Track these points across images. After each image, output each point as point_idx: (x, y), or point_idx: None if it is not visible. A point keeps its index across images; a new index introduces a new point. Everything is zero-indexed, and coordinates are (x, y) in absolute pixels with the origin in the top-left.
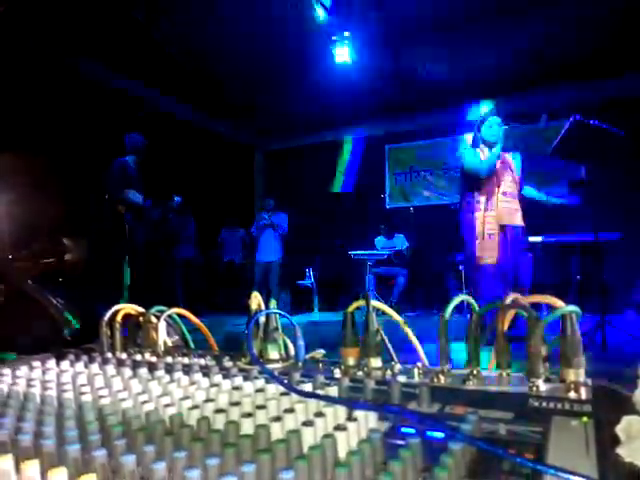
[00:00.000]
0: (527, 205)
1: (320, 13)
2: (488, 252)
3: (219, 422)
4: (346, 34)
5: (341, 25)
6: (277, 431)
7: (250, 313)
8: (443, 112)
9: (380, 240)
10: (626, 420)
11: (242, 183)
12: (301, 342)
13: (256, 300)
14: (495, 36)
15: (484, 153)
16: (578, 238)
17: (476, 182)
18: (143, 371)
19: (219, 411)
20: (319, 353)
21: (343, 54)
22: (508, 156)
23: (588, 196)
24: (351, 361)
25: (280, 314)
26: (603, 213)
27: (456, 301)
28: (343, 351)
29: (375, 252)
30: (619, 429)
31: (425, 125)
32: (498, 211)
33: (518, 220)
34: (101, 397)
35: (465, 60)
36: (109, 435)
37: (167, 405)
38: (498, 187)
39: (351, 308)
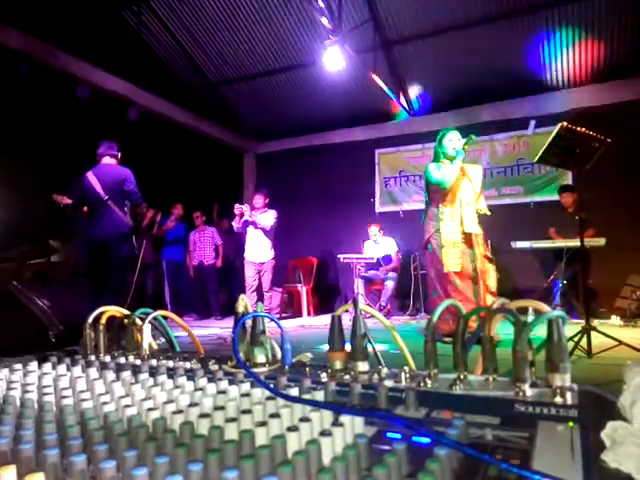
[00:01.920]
0: (513, 212)
1: (323, 20)
2: (454, 259)
3: (203, 427)
4: (338, 39)
5: (333, 30)
6: (261, 436)
7: (237, 316)
8: (434, 118)
9: (369, 244)
10: (611, 426)
11: (232, 186)
12: (288, 346)
13: (243, 303)
14: (484, 43)
15: (446, 166)
16: (564, 244)
17: (440, 193)
18: (126, 374)
19: (203, 416)
20: (306, 356)
21: (334, 59)
22: (469, 168)
23: (574, 202)
24: (338, 365)
25: (267, 317)
26: (589, 219)
27: (443, 306)
28: (330, 355)
29: (364, 256)
30: (604, 435)
31: (416, 130)
32: (461, 220)
33: (479, 228)
34: (82, 401)
35: (457, 66)
36: (90, 440)
37: (150, 409)
38: (460, 197)
39: (339, 311)
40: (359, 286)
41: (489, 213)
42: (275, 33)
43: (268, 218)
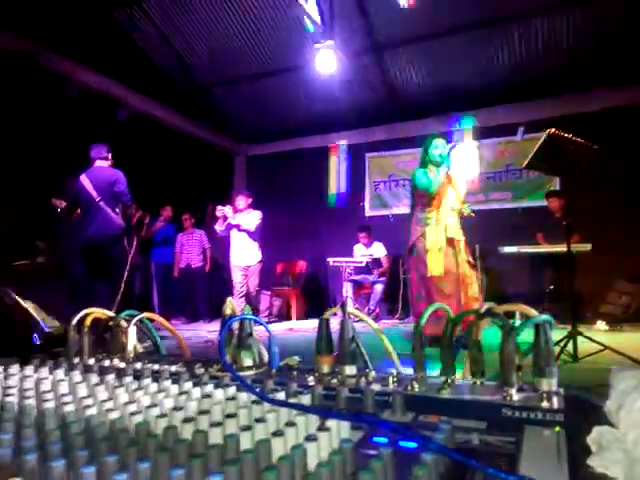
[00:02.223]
0: (501, 217)
1: (310, 25)
2: (438, 264)
3: (187, 431)
4: (329, 42)
5: (324, 34)
6: (246, 441)
7: (224, 319)
8: (424, 122)
9: (359, 248)
10: (597, 431)
11: (222, 188)
12: (275, 349)
13: (230, 306)
14: (476, 49)
15: (432, 172)
16: (551, 250)
17: (426, 198)
18: (110, 377)
19: (187, 420)
20: (294, 360)
21: (326, 62)
22: (452, 175)
23: (561, 208)
24: (325, 368)
25: (255, 320)
26: (576, 225)
27: (431, 310)
28: (317, 358)
29: (353, 259)
30: (590, 440)
31: (406, 135)
32: (446, 225)
33: (461, 234)
34: (64, 404)
35: (447, 71)
36: (70, 445)
37: (133, 413)
38: (445, 203)
39: (327, 315)
40: (348, 290)
41: (473, 214)
42: (266, 36)
43: (252, 219)
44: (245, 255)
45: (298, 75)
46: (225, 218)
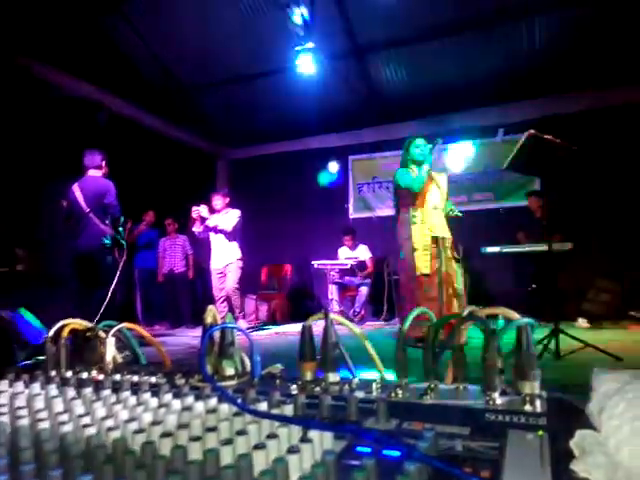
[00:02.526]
0: (483, 218)
1: (298, 20)
2: (424, 262)
3: (165, 447)
4: (310, 45)
5: (306, 36)
6: (227, 455)
7: (205, 327)
8: (407, 124)
9: (344, 250)
10: (580, 434)
11: (204, 192)
12: (257, 357)
13: (211, 314)
14: (458, 51)
15: (414, 171)
16: (532, 248)
17: (409, 198)
18: (88, 391)
19: (166, 435)
20: (276, 368)
21: (307, 65)
22: (435, 174)
23: (542, 208)
24: (309, 376)
25: (236, 329)
26: (556, 224)
27: (414, 314)
28: (300, 366)
29: (338, 262)
30: (573, 444)
31: (389, 137)
32: (431, 224)
33: (448, 232)
34: (39, 421)
35: (429, 74)
36: (44, 464)
37: (110, 429)
38: (429, 201)
39: (309, 321)
40: (333, 292)
41: (460, 214)
42: (248, 38)
43: (229, 219)
44: (223, 256)
45: (280, 78)
46: (202, 219)
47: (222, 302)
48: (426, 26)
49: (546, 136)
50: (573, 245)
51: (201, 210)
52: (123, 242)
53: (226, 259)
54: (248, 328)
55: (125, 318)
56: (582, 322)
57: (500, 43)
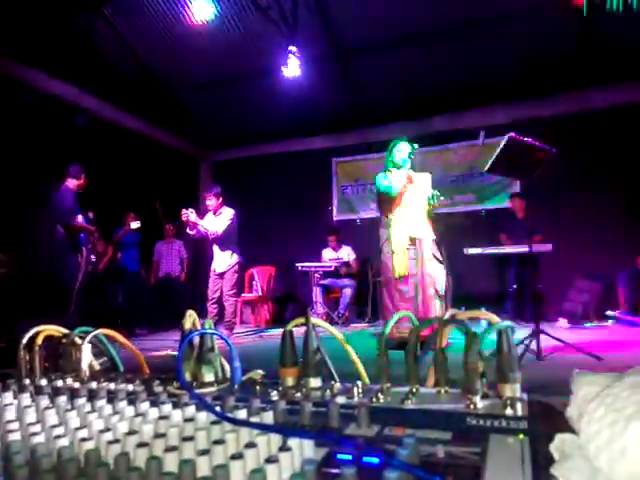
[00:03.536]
0: (466, 219)
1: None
2: (401, 265)
3: (140, 458)
4: (293, 49)
5: (290, 39)
6: (204, 466)
7: (183, 333)
8: (390, 127)
9: (327, 251)
10: (559, 438)
11: (187, 194)
12: (237, 363)
13: (190, 319)
14: (441, 55)
15: (393, 175)
16: (513, 250)
17: (388, 202)
18: (62, 400)
19: (141, 445)
20: (257, 374)
21: (291, 67)
22: (417, 176)
23: (523, 209)
24: (290, 381)
25: (215, 334)
26: (537, 225)
27: (396, 317)
28: (281, 371)
29: (322, 264)
30: (553, 448)
31: (372, 139)
32: (409, 225)
33: (428, 233)
34: (9, 432)
35: (412, 77)
36: (13, 478)
37: (84, 439)
38: (407, 202)
39: (290, 325)
40: (318, 294)
41: (442, 198)
42: (231, 40)
43: (219, 222)
44: (218, 261)
45: (264, 80)
46: (194, 223)
47: (213, 303)
48: (410, 29)
49: (526, 139)
50: (553, 246)
51: (189, 215)
52: (82, 247)
53: (222, 263)
54: (237, 333)
55: (107, 322)
56: (563, 322)
57: (484, 46)
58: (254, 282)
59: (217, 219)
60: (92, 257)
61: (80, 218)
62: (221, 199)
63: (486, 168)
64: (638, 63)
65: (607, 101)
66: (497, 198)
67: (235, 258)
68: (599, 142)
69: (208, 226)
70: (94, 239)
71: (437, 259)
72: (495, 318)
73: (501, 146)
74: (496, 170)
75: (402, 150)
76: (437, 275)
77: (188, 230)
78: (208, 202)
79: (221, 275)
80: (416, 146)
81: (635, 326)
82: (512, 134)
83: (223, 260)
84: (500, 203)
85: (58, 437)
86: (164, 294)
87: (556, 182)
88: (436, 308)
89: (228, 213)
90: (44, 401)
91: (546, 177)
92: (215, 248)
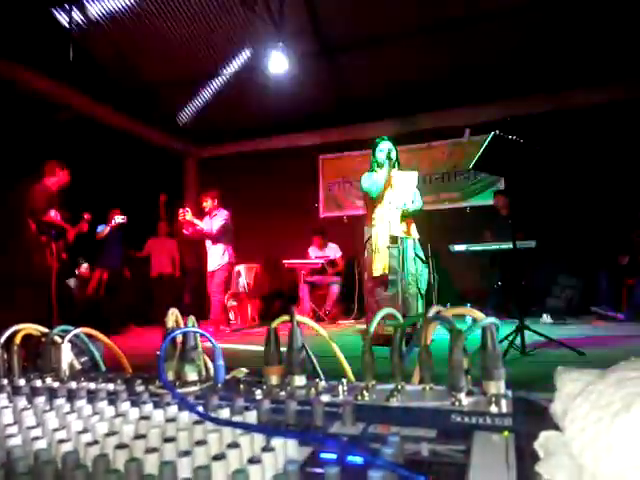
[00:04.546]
0: (451, 216)
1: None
2: (381, 263)
3: (119, 460)
4: (280, 44)
5: (275, 35)
6: (185, 468)
7: (166, 331)
8: (376, 124)
9: (314, 249)
10: (544, 436)
11: (173, 191)
12: (221, 362)
13: (173, 317)
14: (428, 52)
15: (378, 174)
16: (498, 247)
17: (373, 200)
18: (40, 400)
19: (121, 446)
20: (241, 372)
21: (277, 63)
22: (400, 174)
23: (507, 206)
24: (274, 380)
25: (198, 333)
26: (520, 222)
27: (381, 314)
28: (266, 369)
29: (309, 261)
30: (538, 445)
31: (359, 136)
32: (391, 223)
33: (412, 232)
34: None
35: (397, 74)
36: None
37: (62, 441)
38: (391, 202)
39: (275, 323)
40: (304, 292)
41: (419, 206)
42: (216, 35)
43: (214, 222)
44: (212, 259)
45: (249, 77)
46: (191, 223)
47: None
48: (396, 26)
49: (510, 136)
50: (537, 243)
51: (186, 214)
52: (53, 242)
53: (214, 261)
54: (223, 330)
55: (91, 320)
56: (546, 318)
57: (469, 44)
58: (240, 279)
59: (213, 220)
60: (63, 255)
61: (53, 213)
62: (217, 200)
63: (471, 165)
64: (617, 63)
65: (589, 100)
66: (482, 195)
67: (227, 258)
68: (581, 140)
69: (204, 226)
70: (66, 238)
71: (420, 258)
72: (479, 314)
73: (486, 144)
74: (481, 167)
75: (383, 149)
76: (419, 274)
77: (184, 230)
78: (204, 203)
79: (212, 273)
80: (395, 148)
81: (617, 322)
82: (496, 131)
83: (215, 259)
84: (485, 200)
85: (35, 439)
86: (154, 292)
87: (539, 179)
88: (417, 307)
89: (222, 213)
90: (22, 402)
91: (530, 174)
92: (209, 247)
